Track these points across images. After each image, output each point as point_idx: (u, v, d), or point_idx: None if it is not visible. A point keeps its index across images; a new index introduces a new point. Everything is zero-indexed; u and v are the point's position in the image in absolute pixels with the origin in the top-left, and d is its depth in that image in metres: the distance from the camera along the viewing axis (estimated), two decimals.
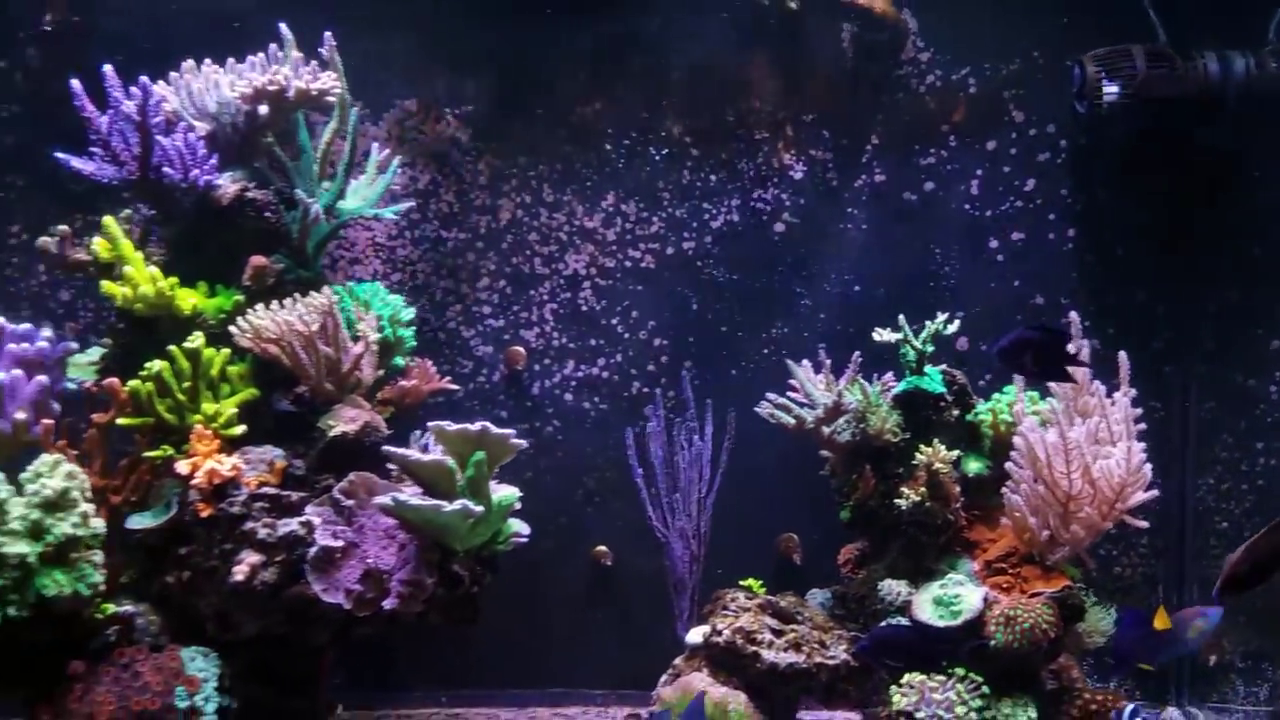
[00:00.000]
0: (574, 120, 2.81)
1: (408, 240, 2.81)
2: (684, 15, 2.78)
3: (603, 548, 2.77)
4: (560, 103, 2.82)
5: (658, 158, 2.82)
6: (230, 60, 2.38)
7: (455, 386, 2.59)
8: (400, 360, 2.48)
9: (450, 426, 1.93)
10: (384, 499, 1.93)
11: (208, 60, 2.37)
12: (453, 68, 2.79)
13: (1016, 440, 2.12)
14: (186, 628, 2.11)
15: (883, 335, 2.29)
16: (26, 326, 2.18)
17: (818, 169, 2.81)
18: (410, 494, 1.99)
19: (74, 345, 2.24)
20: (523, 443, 1.98)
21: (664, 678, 2.27)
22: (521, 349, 2.82)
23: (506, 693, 2.77)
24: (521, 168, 2.83)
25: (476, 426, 1.92)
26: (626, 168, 2.82)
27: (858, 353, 2.36)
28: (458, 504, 1.87)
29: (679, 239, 2.84)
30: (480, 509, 1.95)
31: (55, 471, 1.97)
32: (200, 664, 2.08)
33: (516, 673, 2.79)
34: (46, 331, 2.19)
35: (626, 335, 2.85)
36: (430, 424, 1.99)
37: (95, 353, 2.30)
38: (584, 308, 2.84)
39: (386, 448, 2.01)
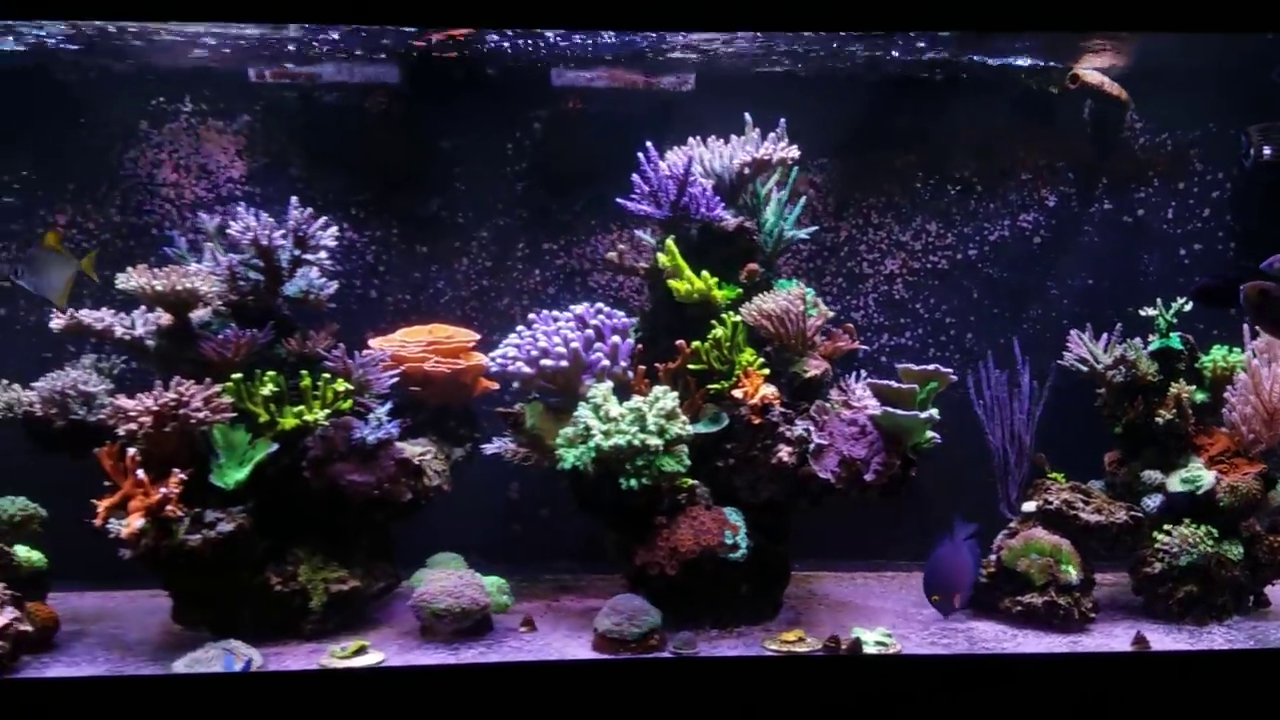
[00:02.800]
0: (896, 166, 4.06)
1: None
2: (976, 94, 4.01)
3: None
4: (885, 155, 4.05)
5: (953, 192, 4.08)
6: (698, 136, 3.60)
7: (865, 347, 3.83)
8: None
9: (913, 366, 3.17)
10: (875, 411, 3.16)
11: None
12: (809, 135, 3.82)
13: (1239, 375, 3.38)
14: (724, 496, 3.33)
15: (1147, 311, 3.54)
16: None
17: (1064, 200, 4.06)
18: (874, 408, 3.23)
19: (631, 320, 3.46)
20: (954, 376, 3.21)
21: (1002, 534, 3.50)
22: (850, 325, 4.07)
23: (870, 561, 4.01)
24: (855, 200, 4.07)
25: (930, 367, 3.15)
26: (931, 199, 4.08)
27: (1119, 324, 3.61)
28: (927, 413, 3.10)
29: (965, 248, 4.10)
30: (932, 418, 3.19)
31: (667, 396, 3.18)
32: (735, 517, 3.29)
33: (889, 548, 4.01)
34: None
35: (925, 315, 4.11)
36: (899, 365, 3.24)
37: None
38: (896, 297, 4.10)
39: (869, 380, 3.26)
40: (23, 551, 3.18)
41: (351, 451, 3.30)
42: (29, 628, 2.98)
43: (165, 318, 3.29)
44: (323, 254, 3.39)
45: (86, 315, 3.26)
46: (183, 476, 2.96)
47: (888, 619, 3.41)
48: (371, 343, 3.59)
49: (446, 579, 3.29)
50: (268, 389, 3.14)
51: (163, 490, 2.91)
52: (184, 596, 3.29)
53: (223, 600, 3.22)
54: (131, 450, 2.98)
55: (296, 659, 3.11)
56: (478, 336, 3.68)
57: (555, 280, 4.03)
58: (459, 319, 3.92)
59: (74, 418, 3.15)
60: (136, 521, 2.91)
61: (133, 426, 3.00)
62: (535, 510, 4.03)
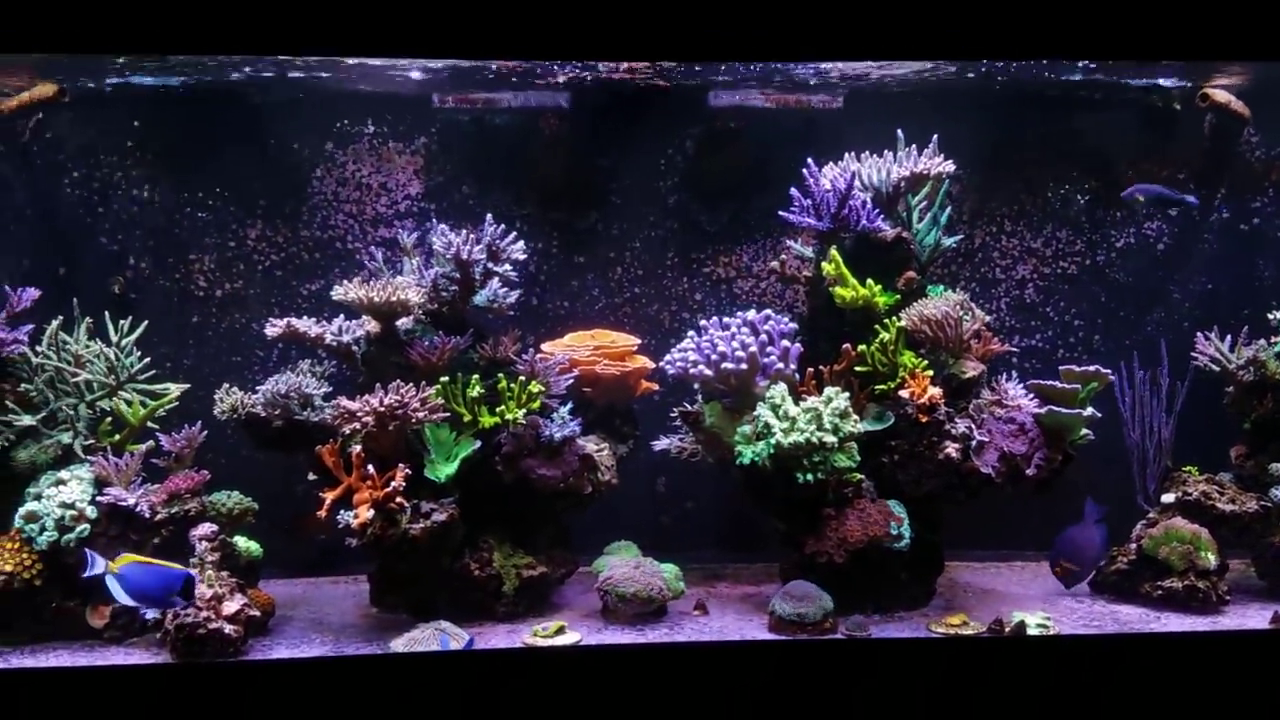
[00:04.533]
0: (1027, 176, 4.29)
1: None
2: (1106, 109, 4.24)
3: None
4: (1020, 168, 4.29)
5: (1082, 201, 4.31)
6: (851, 151, 3.85)
7: (1015, 349, 4.07)
8: None
9: (1075, 368, 3.42)
10: (1037, 410, 3.41)
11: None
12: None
13: None
14: (886, 489, 3.58)
15: (1274, 315, 3.76)
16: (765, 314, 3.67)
17: (1186, 209, 4.28)
18: (1033, 407, 3.48)
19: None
20: (1112, 377, 3.46)
21: (1141, 525, 3.73)
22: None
23: (997, 551, 4.25)
24: (989, 209, 4.31)
25: (1091, 368, 3.40)
26: (1061, 208, 4.31)
27: (1246, 327, 3.83)
28: (1088, 411, 3.35)
29: (1094, 254, 4.33)
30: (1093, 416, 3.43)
31: (839, 396, 3.44)
32: (899, 509, 3.55)
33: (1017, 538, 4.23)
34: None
35: (1054, 318, 4.35)
36: (1062, 367, 3.49)
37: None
38: (1027, 300, 4.34)
39: (1033, 380, 3.52)
40: (242, 542, 3.48)
41: (539, 447, 3.58)
42: (257, 613, 3.28)
43: (373, 326, 3.58)
44: (507, 266, 3.67)
45: (300, 323, 3.55)
46: (407, 471, 3.25)
47: (1035, 604, 3.65)
48: (543, 347, 3.88)
49: (629, 566, 3.57)
50: (475, 391, 3.42)
51: (392, 484, 3.20)
52: (385, 581, 3.59)
53: (422, 584, 3.52)
54: (356, 447, 3.27)
55: (498, 638, 3.39)
56: (638, 341, 3.96)
57: (702, 288, 4.30)
58: (611, 324, 4.19)
59: (296, 419, 3.45)
60: (366, 512, 3.20)
61: (356, 425, 3.29)
62: (681, 503, 4.32)
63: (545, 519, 3.69)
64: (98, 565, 3.03)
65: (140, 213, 4.05)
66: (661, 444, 3.80)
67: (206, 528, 3.37)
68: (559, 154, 4.15)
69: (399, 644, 3.26)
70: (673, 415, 3.81)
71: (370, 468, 3.22)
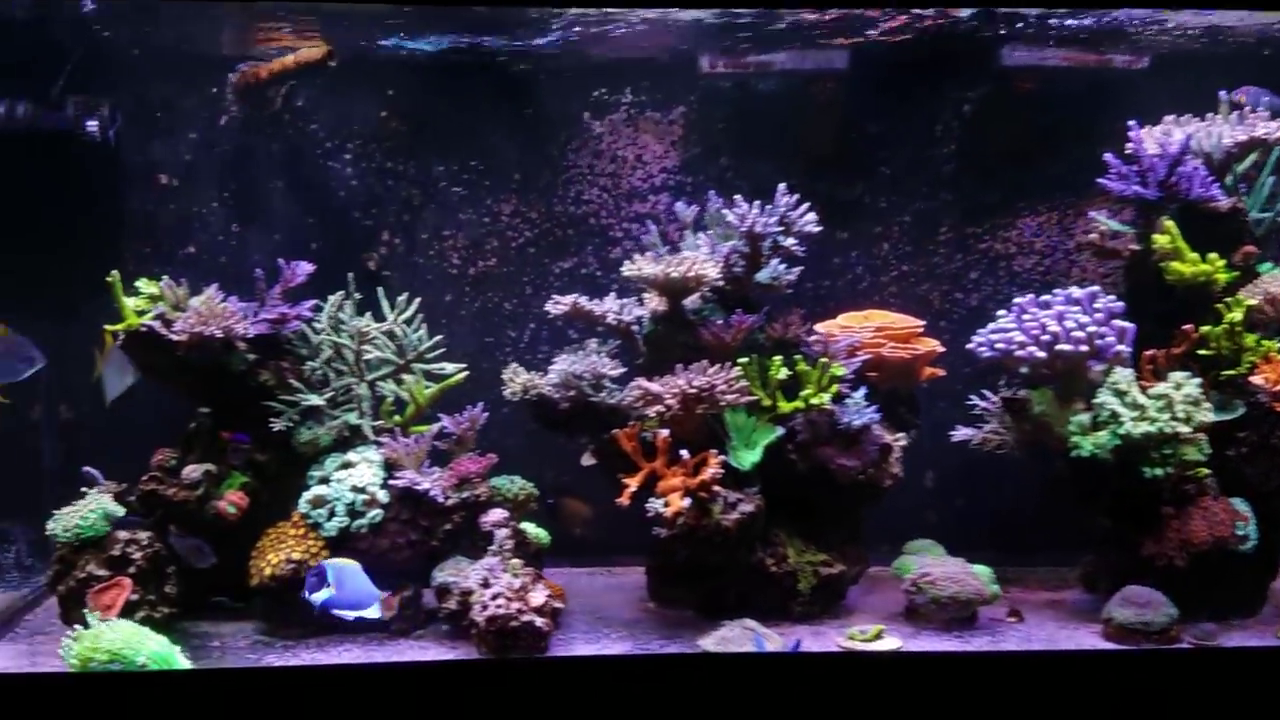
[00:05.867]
0: None
1: None
2: None
3: None
4: None
5: None
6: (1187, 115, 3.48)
7: None
8: None
9: None
10: None
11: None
12: None
13: None
14: (1229, 484, 3.25)
15: None
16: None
17: None
18: None
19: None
20: None
21: None
22: None
23: None
24: None
25: None
26: None
27: None
28: None
29: None
30: None
31: (1190, 382, 3.08)
32: (1243, 507, 3.20)
33: None
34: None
35: None
36: None
37: None
38: None
39: None
40: (531, 529, 3.30)
41: (834, 435, 3.33)
42: (560, 604, 3.09)
43: (658, 303, 3.36)
44: (792, 240, 3.42)
45: (585, 302, 3.35)
46: (723, 459, 3.03)
47: None
48: (817, 328, 3.62)
49: (944, 565, 3.29)
50: (782, 374, 3.18)
51: (709, 471, 2.98)
52: (666, 575, 3.39)
53: (709, 579, 3.29)
54: (664, 432, 3.05)
55: (806, 641, 3.15)
56: (922, 323, 3.67)
57: (978, 265, 3.99)
58: (876, 304, 3.91)
59: (591, 400, 3.25)
60: (680, 500, 2.99)
61: (661, 408, 3.08)
62: (952, 499, 4.02)
63: (838, 513, 3.42)
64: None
65: (393, 187, 3.90)
66: (962, 434, 3.51)
67: (499, 514, 3.19)
68: (828, 121, 3.89)
69: (708, 643, 3.04)
70: (969, 402, 3.54)
71: (685, 453, 3.00)
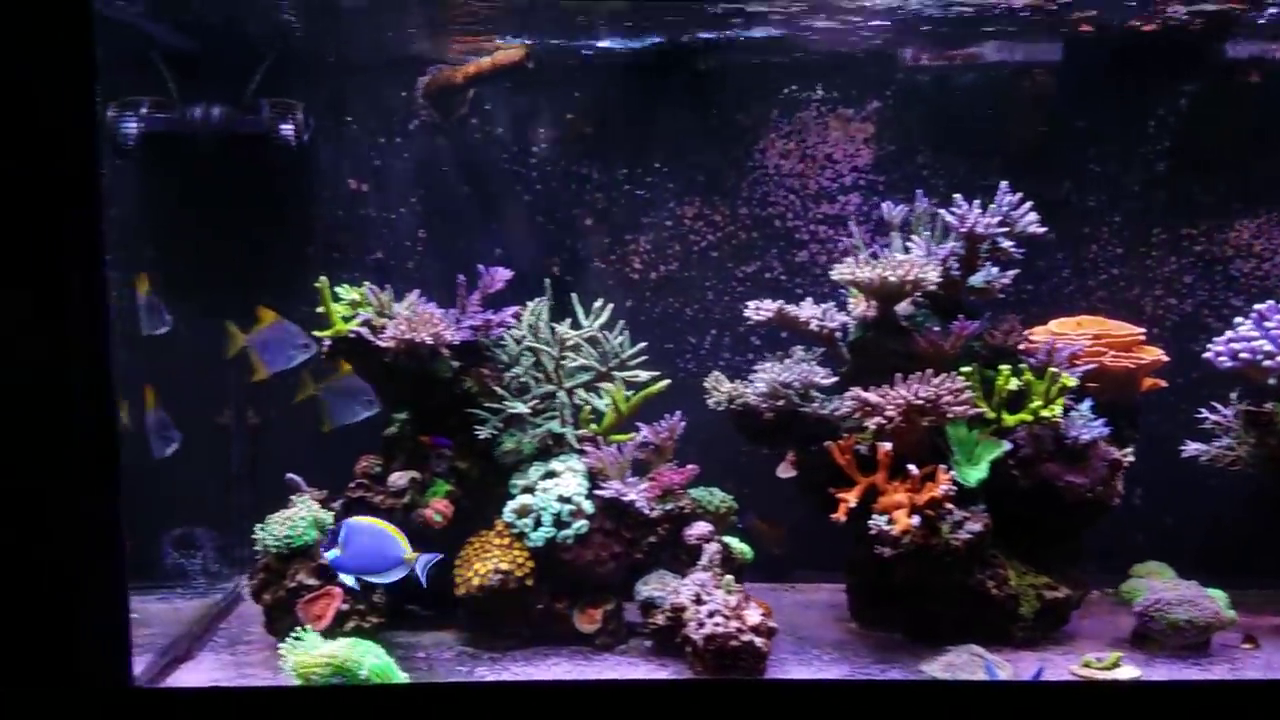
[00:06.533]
0: None
1: None
2: None
3: None
4: None
5: None
6: None
7: None
8: None
9: None
10: None
11: None
12: None
13: None
14: None
15: None
16: None
17: None
18: None
19: None
20: None
21: None
22: None
23: None
24: None
25: None
26: None
27: None
28: None
29: None
30: None
31: None
32: None
33: None
34: None
35: None
36: None
37: None
38: None
39: None
40: (735, 544, 3.17)
41: (1059, 450, 3.13)
42: (774, 623, 2.96)
43: (867, 309, 3.21)
44: (1009, 242, 3.23)
45: (790, 308, 3.22)
46: (952, 474, 2.87)
47: None
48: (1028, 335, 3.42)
49: (1177, 589, 3.08)
50: (1012, 384, 3.00)
51: (941, 487, 2.82)
52: (872, 595, 3.23)
53: (919, 601, 3.13)
54: (886, 445, 2.90)
55: (1026, 667, 2.96)
56: (1142, 330, 3.45)
57: (1192, 269, 3.74)
58: (1083, 310, 3.69)
59: (800, 410, 3.11)
60: (907, 518, 2.83)
61: (880, 420, 2.93)
62: (1159, 517, 3.78)
63: (1060, 533, 3.22)
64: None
65: (576, 191, 3.82)
66: (1193, 449, 3.28)
67: (705, 527, 3.09)
68: (1035, 115, 3.68)
69: (934, 669, 2.89)
70: (1199, 415, 3.31)
71: (913, 468, 2.84)
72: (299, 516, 3.03)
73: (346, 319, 3.15)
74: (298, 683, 2.65)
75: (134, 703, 2.39)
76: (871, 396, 2.93)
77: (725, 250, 3.83)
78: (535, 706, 2.60)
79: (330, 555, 2.83)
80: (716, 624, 2.78)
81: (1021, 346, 3.26)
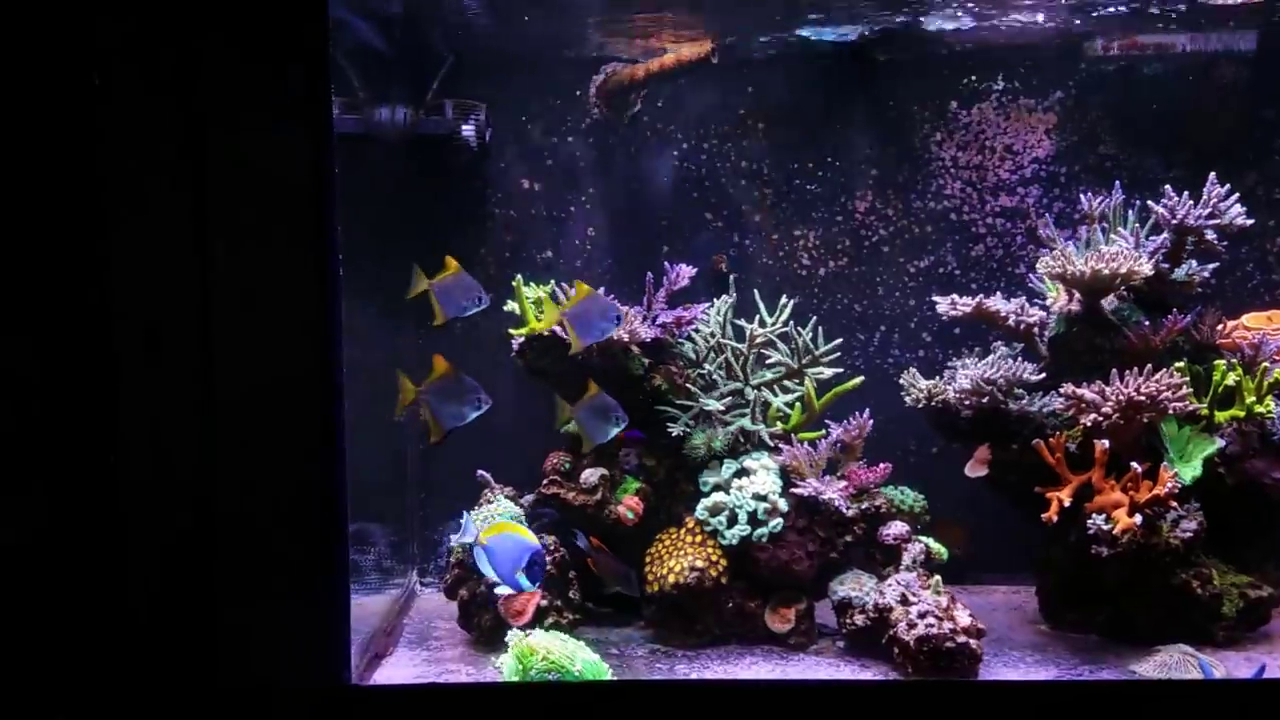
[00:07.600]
0: None
1: None
2: None
3: None
4: None
5: None
6: None
7: None
8: None
9: None
10: None
11: None
12: None
13: None
14: None
15: None
16: None
17: None
18: None
19: None
20: None
21: None
22: None
23: None
24: None
25: None
26: None
27: None
28: None
29: None
30: None
31: None
32: None
33: None
34: None
35: None
36: None
37: None
38: None
39: None
40: (932, 544, 3.12)
41: (1266, 447, 3.03)
42: (983, 625, 2.90)
43: (1070, 303, 3.13)
44: (1212, 234, 3.13)
45: (989, 301, 3.16)
46: (1174, 472, 2.78)
47: None
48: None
49: None
50: (1230, 379, 2.91)
51: (1166, 485, 2.74)
52: (1067, 595, 3.15)
53: (1119, 601, 3.04)
54: (1104, 443, 2.82)
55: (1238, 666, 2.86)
56: None
57: None
58: (1268, 304, 3.57)
59: (1003, 408, 3.04)
60: (1128, 518, 2.75)
61: (1097, 416, 2.85)
62: None
63: (1262, 532, 3.11)
64: (469, 532, 2.80)
65: (746, 186, 3.79)
66: None
67: (902, 527, 3.04)
68: (1222, 106, 3.57)
69: (1147, 669, 2.80)
70: None
71: (1136, 465, 2.76)
72: (497, 513, 3.04)
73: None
74: (513, 672, 2.65)
75: (351, 699, 2.41)
76: (1087, 393, 2.86)
77: (897, 245, 3.77)
78: (752, 706, 2.58)
79: (465, 541, 2.87)
80: (929, 625, 2.72)
81: (1221, 341, 3.17)
